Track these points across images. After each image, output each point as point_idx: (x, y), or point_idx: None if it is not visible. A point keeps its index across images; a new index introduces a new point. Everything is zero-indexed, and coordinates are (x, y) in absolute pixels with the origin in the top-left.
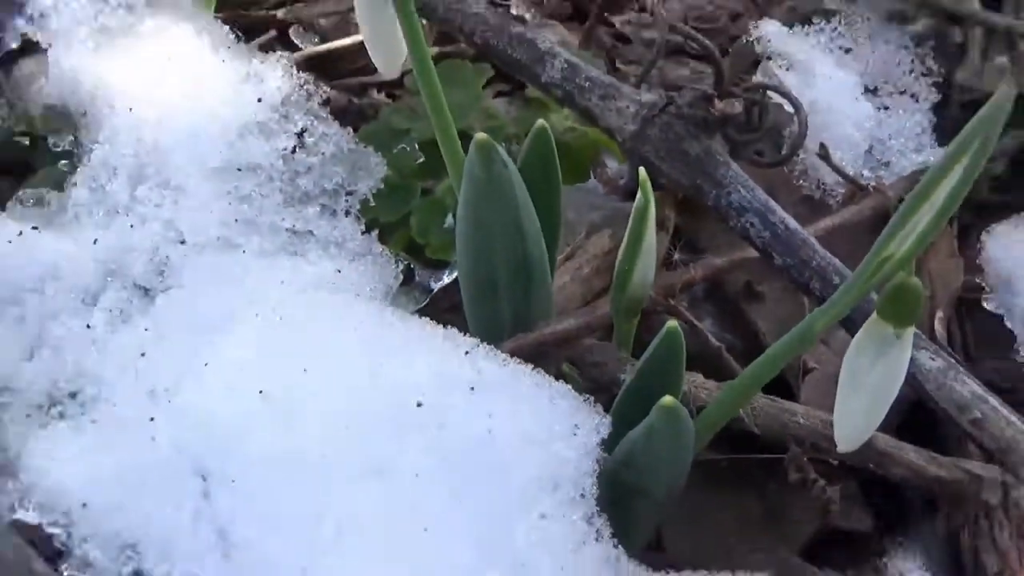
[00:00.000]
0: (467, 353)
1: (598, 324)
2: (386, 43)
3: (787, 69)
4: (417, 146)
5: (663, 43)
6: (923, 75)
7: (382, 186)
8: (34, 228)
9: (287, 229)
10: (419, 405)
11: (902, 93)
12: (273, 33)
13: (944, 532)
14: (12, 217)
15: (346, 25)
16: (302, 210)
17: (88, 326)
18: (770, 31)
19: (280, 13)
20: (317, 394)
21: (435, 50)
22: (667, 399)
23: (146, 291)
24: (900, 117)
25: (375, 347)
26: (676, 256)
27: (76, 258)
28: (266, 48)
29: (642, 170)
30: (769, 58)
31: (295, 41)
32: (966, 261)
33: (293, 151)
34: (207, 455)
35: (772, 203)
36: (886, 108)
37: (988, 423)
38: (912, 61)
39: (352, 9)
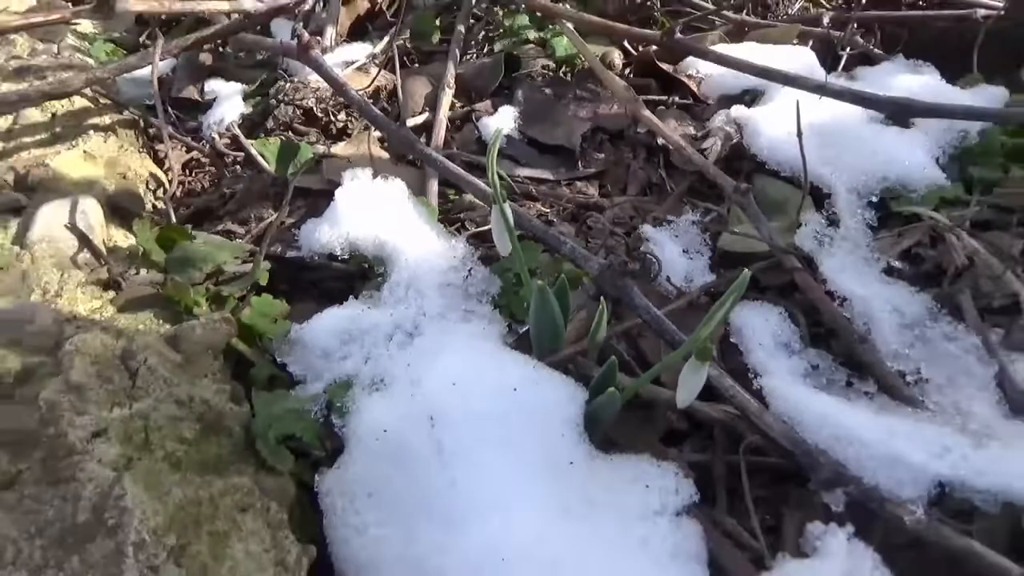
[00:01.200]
0: (534, 367)
1: (583, 351)
2: (502, 238)
3: (653, 245)
4: (517, 275)
5: (605, 241)
6: (706, 245)
7: (501, 290)
8: (368, 307)
9: (464, 310)
10: (514, 390)
11: (697, 252)
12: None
13: None
14: (362, 301)
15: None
16: (468, 302)
17: (387, 351)
18: (647, 229)
19: (462, 213)
20: (475, 384)
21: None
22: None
23: (410, 335)
24: (696, 262)
25: (498, 362)
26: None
27: (382, 321)
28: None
29: (602, 300)
30: (647, 240)
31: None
32: None
33: (467, 277)
34: (435, 411)
35: (651, 305)
36: (691, 258)
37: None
38: (701, 241)
39: None
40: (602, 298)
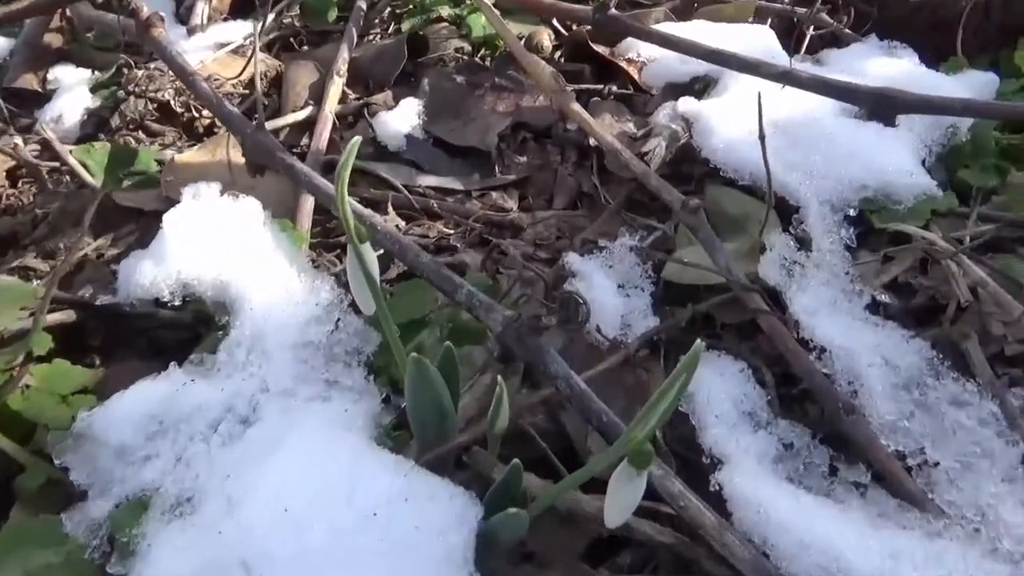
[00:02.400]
0: (407, 474)
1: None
2: (363, 294)
3: (579, 281)
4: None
5: (520, 274)
6: (647, 277)
7: (379, 348)
8: (192, 380)
9: (325, 380)
10: (375, 514)
11: (636, 287)
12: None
13: None
14: (185, 371)
15: None
16: (332, 366)
17: (208, 449)
18: (572, 259)
19: (343, 239)
20: (318, 506)
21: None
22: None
23: (245, 422)
24: (636, 299)
25: (355, 470)
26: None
27: (210, 399)
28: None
29: (500, 378)
30: (573, 275)
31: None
32: None
33: (332, 331)
34: (253, 553)
35: (572, 374)
36: (628, 295)
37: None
38: (641, 271)
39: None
40: (500, 375)
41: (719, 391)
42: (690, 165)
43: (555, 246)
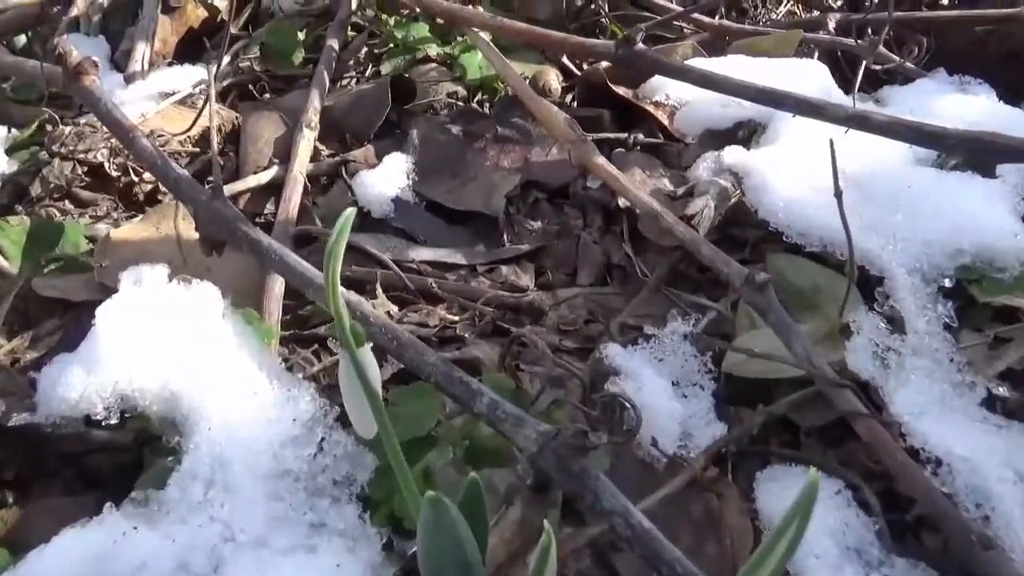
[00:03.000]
0: None
1: None
2: (362, 412)
3: (624, 379)
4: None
5: (549, 373)
6: (707, 372)
7: (373, 476)
8: (135, 528)
9: (308, 523)
10: None
11: (694, 385)
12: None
13: None
14: (125, 514)
15: None
16: (317, 503)
17: None
18: (613, 351)
19: (323, 329)
20: None
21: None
22: None
23: None
24: (695, 402)
25: None
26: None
27: (159, 554)
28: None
29: (547, 523)
30: (615, 372)
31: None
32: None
33: (315, 456)
34: None
35: (631, 508)
36: (685, 396)
37: None
38: (699, 364)
39: None
40: (537, 510)
41: (813, 521)
42: (743, 229)
43: (584, 332)
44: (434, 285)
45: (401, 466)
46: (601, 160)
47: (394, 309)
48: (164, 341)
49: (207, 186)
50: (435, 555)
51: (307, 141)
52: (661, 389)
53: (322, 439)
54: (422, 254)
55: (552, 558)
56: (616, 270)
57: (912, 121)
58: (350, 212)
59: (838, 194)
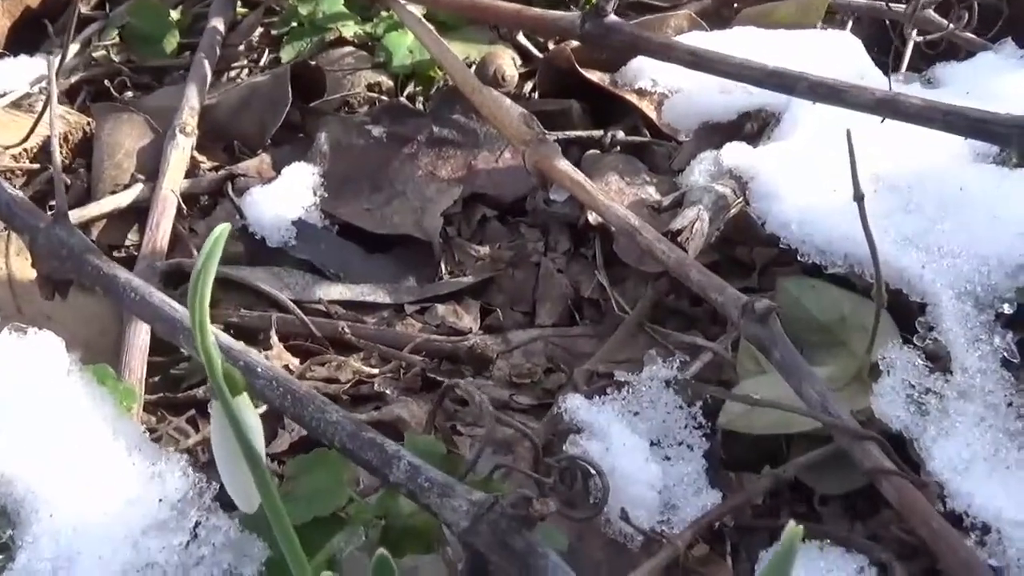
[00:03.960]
0: None
1: None
2: (241, 480)
3: (589, 438)
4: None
5: (490, 434)
6: (696, 427)
7: (263, 568)
8: None
9: None
10: None
11: (680, 444)
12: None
13: None
14: None
15: None
16: None
17: None
18: (575, 404)
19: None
20: None
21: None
22: None
23: None
24: (680, 464)
25: None
26: None
27: None
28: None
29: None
30: (578, 429)
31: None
32: None
33: (187, 545)
34: None
35: None
36: (668, 458)
37: None
38: (686, 417)
39: None
40: None
41: None
42: (748, 247)
43: (543, 385)
44: (346, 330)
45: (295, 552)
46: (564, 165)
47: (295, 362)
48: None
49: (48, 211)
50: None
51: (181, 151)
52: (636, 449)
53: (197, 524)
54: (332, 292)
55: None
56: (587, 305)
57: (952, 106)
58: (223, 228)
59: (858, 197)
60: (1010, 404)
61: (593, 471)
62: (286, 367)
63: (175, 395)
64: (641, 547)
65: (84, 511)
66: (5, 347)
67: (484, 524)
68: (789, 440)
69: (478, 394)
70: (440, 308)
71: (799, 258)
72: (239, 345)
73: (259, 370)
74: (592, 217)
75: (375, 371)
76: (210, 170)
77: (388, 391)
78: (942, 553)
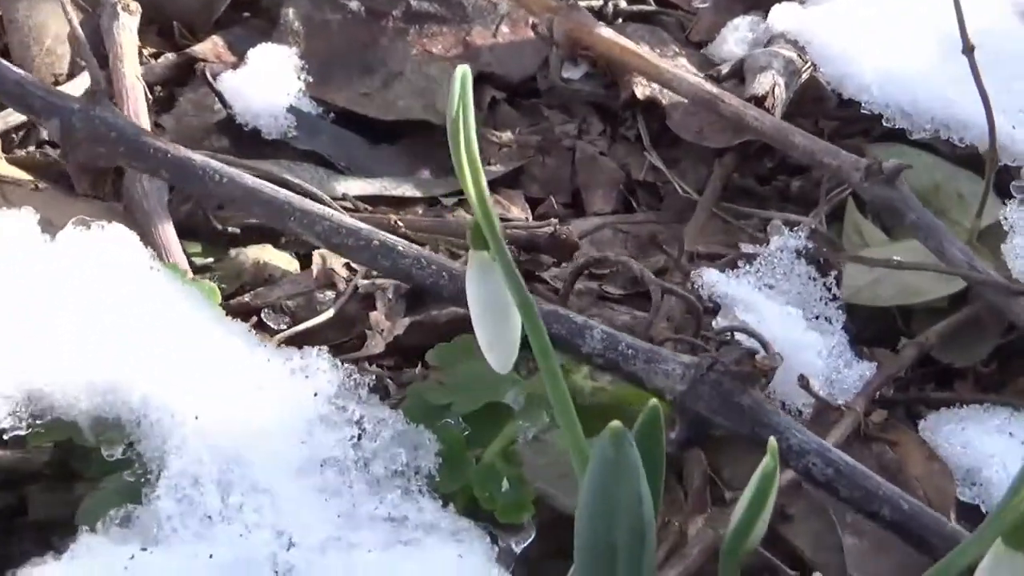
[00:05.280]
0: None
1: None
2: (502, 345)
3: (742, 310)
4: (461, 419)
5: (658, 305)
6: (831, 300)
7: (443, 464)
8: (143, 550)
9: (384, 518)
10: None
11: (818, 317)
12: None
13: None
14: (109, 538)
15: (311, 304)
16: (386, 496)
17: None
18: (712, 278)
19: (247, 298)
20: None
21: None
22: None
23: None
24: (828, 336)
25: None
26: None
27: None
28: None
29: (772, 440)
30: (715, 306)
31: (269, 324)
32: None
33: (359, 439)
34: None
35: (826, 443)
36: (817, 329)
37: None
38: (820, 289)
39: (314, 289)
40: (775, 454)
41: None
42: (812, 117)
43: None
44: (400, 224)
45: (564, 402)
46: (607, 32)
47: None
48: (79, 311)
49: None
50: (607, 497)
51: (130, 32)
52: (791, 317)
53: (361, 417)
54: (353, 187)
55: (769, 503)
56: (641, 189)
57: None
58: (464, 69)
59: (968, 49)
60: None
61: (757, 341)
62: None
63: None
64: (812, 417)
65: (231, 412)
66: (79, 243)
67: (705, 385)
68: (911, 316)
69: (636, 265)
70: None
71: (884, 122)
72: (365, 226)
73: (400, 248)
74: (640, 91)
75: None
76: (152, 57)
77: None
78: None
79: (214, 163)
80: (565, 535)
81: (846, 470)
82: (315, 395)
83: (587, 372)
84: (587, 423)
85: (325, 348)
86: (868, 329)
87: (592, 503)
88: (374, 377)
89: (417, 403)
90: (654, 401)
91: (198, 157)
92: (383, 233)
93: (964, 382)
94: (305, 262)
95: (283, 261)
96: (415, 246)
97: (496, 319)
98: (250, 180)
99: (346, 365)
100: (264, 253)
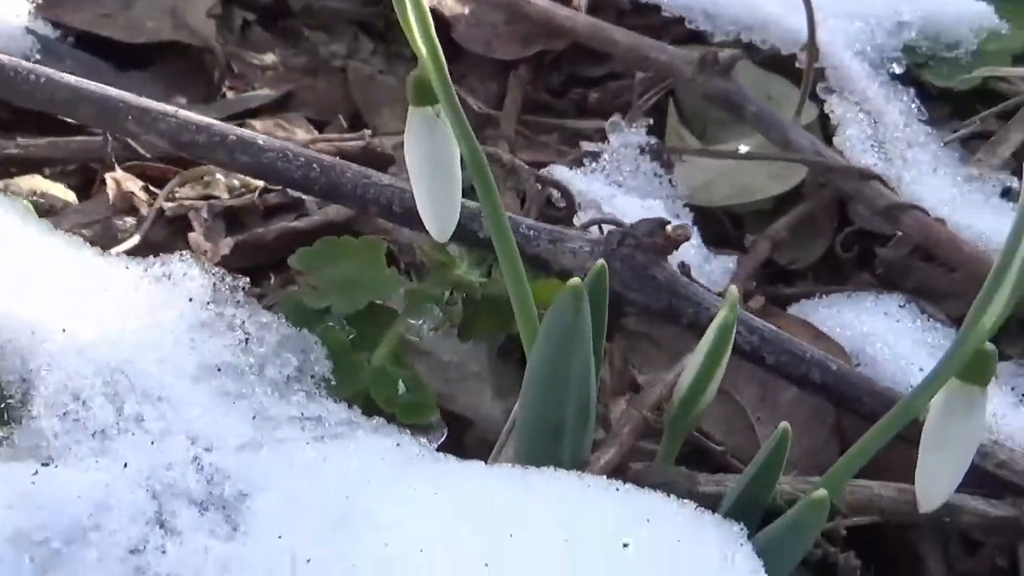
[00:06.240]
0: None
1: (636, 452)
2: (444, 207)
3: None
4: (345, 322)
5: (534, 193)
6: (677, 198)
7: (334, 366)
8: (45, 465)
9: (298, 418)
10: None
11: (676, 216)
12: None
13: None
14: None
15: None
16: (291, 398)
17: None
18: (564, 175)
19: None
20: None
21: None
22: (820, 492)
23: (221, 507)
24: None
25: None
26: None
27: (115, 488)
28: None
29: (732, 288)
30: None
31: None
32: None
33: (246, 343)
34: None
35: (746, 312)
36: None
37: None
38: (666, 187)
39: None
40: (733, 304)
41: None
42: (610, 20)
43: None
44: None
45: (518, 279)
46: None
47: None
48: None
49: None
50: (558, 367)
51: None
52: (649, 214)
53: (243, 323)
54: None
55: (721, 368)
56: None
57: None
58: None
59: None
60: (949, 153)
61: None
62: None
63: None
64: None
65: (102, 324)
66: None
67: (617, 261)
68: (739, 222)
69: (507, 156)
70: (258, 124)
71: (687, 24)
72: (217, 121)
73: (261, 142)
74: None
75: (260, 183)
76: None
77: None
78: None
79: (24, 63)
80: (461, 433)
81: (770, 336)
82: (190, 300)
83: (467, 266)
84: (480, 321)
85: (187, 253)
86: (705, 232)
87: (545, 374)
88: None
89: (295, 308)
90: (601, 262)
91: (4, 58)
92: (238, 128)
93: (805, 281)
94: (82, 193)
95: (59, 191)
96: (276, 139)
97: (440, 179)
98: (72, 80)
99: (215, 269)
100: (35, 183)
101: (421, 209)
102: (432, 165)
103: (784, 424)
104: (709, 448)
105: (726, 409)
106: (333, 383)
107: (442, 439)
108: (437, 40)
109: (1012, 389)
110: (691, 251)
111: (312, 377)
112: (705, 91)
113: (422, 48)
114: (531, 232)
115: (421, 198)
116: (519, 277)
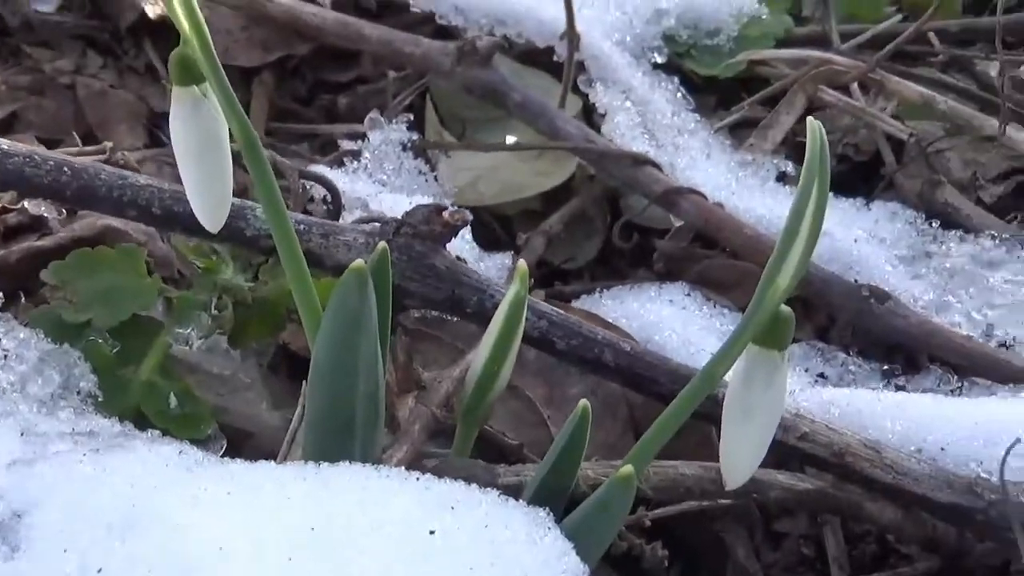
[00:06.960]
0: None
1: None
2: (215, 192)
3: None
4: (109, 334)
5: (297, 190)
6: (443, 196)
7: (101, 380)
8: None
9: (69, 434)
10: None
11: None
12: None
13: None
14: None
15: None
16: (59, 415)
17: None
18: (328, 174)
19: None
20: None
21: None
22: (627, 469)
23: None
24: None
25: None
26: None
27: None
28: None
29: (522, 262)
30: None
31: None
32: None
33: (4, 359)
34: None
35: (532, 297)
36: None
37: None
38: (432, 185)
39: None
40: (524, 280)
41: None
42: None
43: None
44: None
45: (296, 263)
46: None
47: None
48: None
49: None
50: (345, 358)
51: None
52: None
53: None
54: None
55: (513, 352)
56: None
57: None
58: None
59: None
60: (723, 141)
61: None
62: None
63: None
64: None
65: None
66: None
67: (395, 251)
68: (509, 222)
69: (279, 159)
70: None
71: (438, 20)
72: None
73: (4, 147)
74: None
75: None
76: None
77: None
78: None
79: None
80: (240, 445)
81: (559, 319)
82: None
83: (234, 270)
84: (251, 326)
85: None
86: (475, 234)
87: (332, 363)
88: None
89: (53, 323)
90: (383, 244)
91: None
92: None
93: (582, 280)
94: None
95: None
96: (20, 144)
97: (211, 162)
98: None
99: None
100: None
101: (191, 197)
102: (201, 147)
103: (583, 402)
104: (503, 444)
105: (516, 405)
106: (101, 399)
107: (222, 451)
108: (200, 15)
109: (806, 370)
110: (464, 248)
111: (78, 393)
112: (465, 82)
113: (184, 23)
114: (301, 227)
115: (191, 185)
116: (298, 260)
